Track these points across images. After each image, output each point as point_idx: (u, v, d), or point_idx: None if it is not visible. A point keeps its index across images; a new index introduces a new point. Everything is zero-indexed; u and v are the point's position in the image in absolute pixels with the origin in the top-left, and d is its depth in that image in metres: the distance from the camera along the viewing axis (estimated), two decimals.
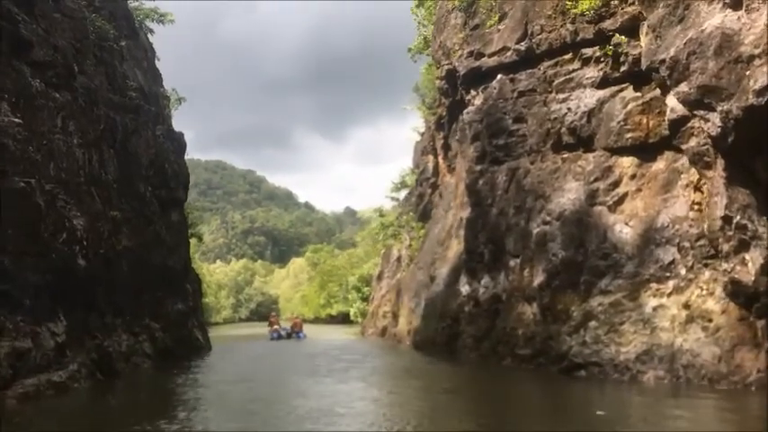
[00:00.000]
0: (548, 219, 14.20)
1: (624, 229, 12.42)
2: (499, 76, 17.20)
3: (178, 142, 25.15)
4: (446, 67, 24.02)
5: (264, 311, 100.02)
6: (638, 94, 12.79)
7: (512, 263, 15.81)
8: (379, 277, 36.99)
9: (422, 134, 35.22)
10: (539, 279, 14.00)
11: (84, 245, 14.78)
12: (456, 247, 21.16)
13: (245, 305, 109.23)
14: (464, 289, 18.27)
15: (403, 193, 35.68)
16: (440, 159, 29.09)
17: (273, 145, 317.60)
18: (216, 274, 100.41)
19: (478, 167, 17.72)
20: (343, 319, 61.88)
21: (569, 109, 14.24)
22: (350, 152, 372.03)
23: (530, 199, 15.19)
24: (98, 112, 18.56)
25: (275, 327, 35.67)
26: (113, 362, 15.09)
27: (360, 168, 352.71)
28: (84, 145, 17.25)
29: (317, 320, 70.68)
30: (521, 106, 16.39)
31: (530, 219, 14.97)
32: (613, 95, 13.30)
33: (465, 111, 19.08)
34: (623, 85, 13.21)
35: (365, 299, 44.70)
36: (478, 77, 18.71)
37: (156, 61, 26.57)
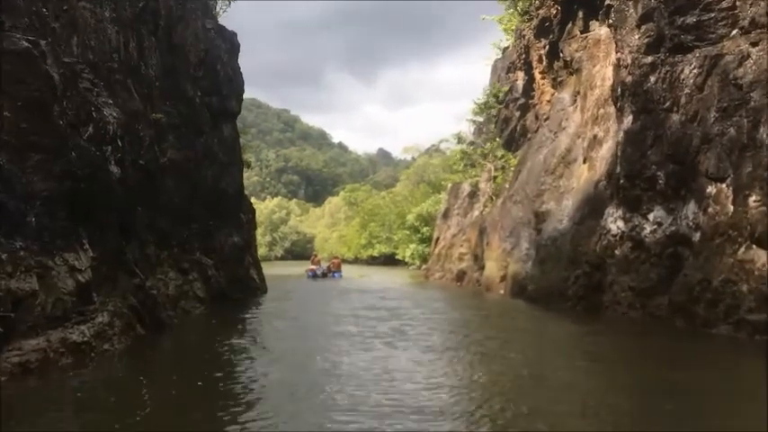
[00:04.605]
0: None
1: None
2: None
3: (231, 43, 20.49)
4: None
5: (299, 250, 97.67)
6: None
7: (710, 189, 11.24)
8: (446, 215, 32.53)
9: (504, 50, 30.28)
10: None
11: (120, 146, 10.50)
12: (586, 174, 16.56)
13: (281, 243, 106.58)
14: (614, 226, 13.77)
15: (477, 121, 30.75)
16: (537, 74, 24.12)
17: (305, 84, 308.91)
18: None
19: (649, 59, 12.95)
20: (386, 260, 58.32)
21: None
22: (380, 93, 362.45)
23: (755, 94, 10.46)
24: None
25: (312, 267, 36.71)
26: (159, 309, 10.91)
27: (390, 110, 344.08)
28: (119, 22, 12.88)
29: (357, 261, 66.95)
30: None
31: (758, 123, 10.29)
32: None
33: None
34: None
35: (424, 240, 40.33)
36: None
37: None
